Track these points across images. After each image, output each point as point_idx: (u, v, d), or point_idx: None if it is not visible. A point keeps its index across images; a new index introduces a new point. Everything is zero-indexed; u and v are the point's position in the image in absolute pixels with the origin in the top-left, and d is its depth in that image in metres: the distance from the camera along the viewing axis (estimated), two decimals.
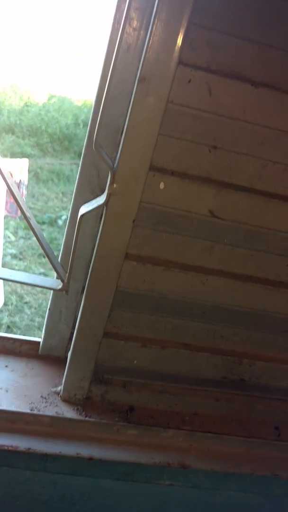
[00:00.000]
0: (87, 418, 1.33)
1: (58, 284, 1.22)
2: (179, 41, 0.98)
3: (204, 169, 1.14)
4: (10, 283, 4.66)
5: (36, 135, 7.95)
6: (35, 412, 1.29)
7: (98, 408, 1.38)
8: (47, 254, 1.15)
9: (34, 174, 7.14)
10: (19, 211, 6.12)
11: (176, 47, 0.98)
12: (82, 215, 1.13)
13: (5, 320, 4.30)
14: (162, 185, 1.13)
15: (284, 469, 1.40)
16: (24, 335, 1.70)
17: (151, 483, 1.34)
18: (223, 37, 1.01)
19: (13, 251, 5.31)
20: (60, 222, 6.12)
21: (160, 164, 1.11)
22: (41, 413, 1.29)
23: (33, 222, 1.13)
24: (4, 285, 4.32)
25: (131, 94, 1.05)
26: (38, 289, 4.74)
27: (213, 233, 1.22)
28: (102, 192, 1.16)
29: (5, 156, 6.97)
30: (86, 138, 1.17)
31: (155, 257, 1.23)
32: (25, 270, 5.00)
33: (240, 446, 1.41)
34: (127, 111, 1.06)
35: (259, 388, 1.45)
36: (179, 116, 1.06)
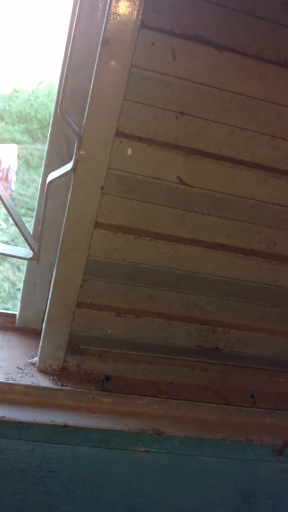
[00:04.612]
0: (62, 387, 1.34)
1: (29, 254, 1.23)
2: (141, 3, 0.98)
3: (172, 135, 1.14)
4: (3, 269, 4.66)
5: (25, 121, 7.88)
6: (10, 381, 1.31)
7: (74, 378, 1.40)
8: (16, 223, 1.16)
9: (25, 161, 7.08)
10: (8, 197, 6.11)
11: (138, 9, 0.98)
12: (50, 182, 1.13)
13: None
14: (129, 151, 1.13)
15: (258, 434, 1.42)
16: None
17: (127, 450, 1.37)
18: (187, 0, 1.01)
19: (5, 238, 5.29)
20: None
21: (127, 130, 1.11)
22: (16, 382, 1.30)
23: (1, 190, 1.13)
24: None
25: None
26: None
27: (183, 201, 1.22)
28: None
29: None
30: (53, 105, 1.17)
31: (126, 225, 1.23)
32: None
33: (215, 413, 1.43)
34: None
35: (234, 356, 1.47)
36: (144, 81, 1.06)
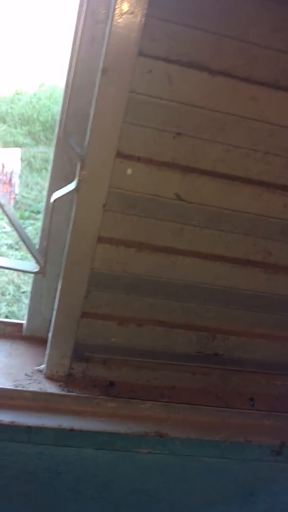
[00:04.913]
0: (68, 393, 1.41)
1: (35, 267, 1.29)
2: (138, 33, 1.04)
3: (169, 154, 1.20)
4: (8, 273, 4.73)
5: (28, 124, 7.95)
6: (19, 388, 1.37)
7: (80, 384, 1.46)
8: (22, 239, 1.22)
9: (28, 163, 7.16)
10: (12, 201, 6.15)
11: (135, 39, 1.04)
12: (55, 201, 1.20)
13: (3, 310, 4.37)
14: (129, 171, 1.19)
15: (256, 435, 1.49)
16: None
17: (130, 452, 1.43)
18: (181, 29, 1.07)
19: (9, 241, 5.36)
20: None
21: (126, 151, 1.17)
22: (24, 389, 1.37)
23: (7, 209, 1.20)
24: (1, 275, 4.39)
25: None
26: None
27: (181, 216, 1.28)
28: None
29: None
30: (56, 127, 1.23)
31: (127, 239, 1.30)
32: (21, 259, 5.07)
33: (215, 415, 1.49)
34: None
35: (233, 361, 1.54)
36: (142, 105, 1.12)
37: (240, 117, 1.17)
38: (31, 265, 1.30)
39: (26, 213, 5.94)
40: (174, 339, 1.47)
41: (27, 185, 6.70)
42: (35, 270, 1.28)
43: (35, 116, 7.96)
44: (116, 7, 1.01)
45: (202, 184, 1.24)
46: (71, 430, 1.36)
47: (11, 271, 4.75)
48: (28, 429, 1.34)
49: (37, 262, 1.28)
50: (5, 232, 5.52)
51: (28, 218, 5.89)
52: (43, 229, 1.35)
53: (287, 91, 1.16)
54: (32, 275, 1.40)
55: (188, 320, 1.45)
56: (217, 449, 1.47)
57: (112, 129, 1.12)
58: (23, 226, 5.66)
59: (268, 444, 1.50)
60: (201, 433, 1.45)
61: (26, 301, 4.53)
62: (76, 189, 1.18)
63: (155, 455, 1.45)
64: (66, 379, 1.46)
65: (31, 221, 5.80)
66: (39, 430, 1.35)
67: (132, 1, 1.01)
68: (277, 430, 1.52)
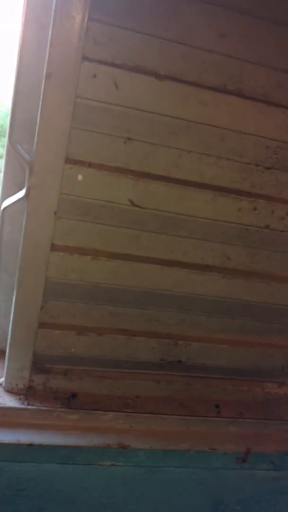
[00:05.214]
0: (28, 406, 1.37)
1: None
2: (81, 37, 1.03)
3: (121, 160, 1.19)
4: None
5: (6, 135, 7.89)
6: None
7: (40, 396, 1.43)
8: None
9: None
10: None
11: (78, 43, 1.03)
12: (5, 209, 1.17)
13: None
14: (80, 177, 1.18)
15: (221, 443, 1.47)
16: None
17: (93, 465, 1.40)
18: (125, 33, 1.06)
19: None
20: None
21: (76, 157, 1.16)
22: None
23: None
24: None
25: None
26: None
27: (137, 222, 1.27)
28: None
29: None
30: (6, 134, 1.21)
31: (82, 247, 1.28)
32: None
33: (179, 424, 1.47)
34: None
35: (197, 368, 1.52)
36: (89, 110, 1.11)
37: (190, 121, 1.17)
38: None
39: None
40: (136, 347, 1.44)
41: None
42: None
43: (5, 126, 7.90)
44: (57, 10, 1.00)
45: (156, 190, 1.23)
46: (30, 445, 1.32)
47: None
48: None
49: None
50: None
51: None
52: None
53: (235, 95, 1.16)
54: None
55: (150, 328, 1.43)
56: (182, 458, 1.44)
57: (60, 134, 1.10)
58: None
59: (233, 451, 1.48)
60: (165, 443, 1.43)
61: None
62: (26, 196, 1.16)
63: (119, 468, 1.42)
64: (26, 392, 1.42)
65: None
66: None
67: (73, 5, 1.00)
68: (242, 437, 1.50)
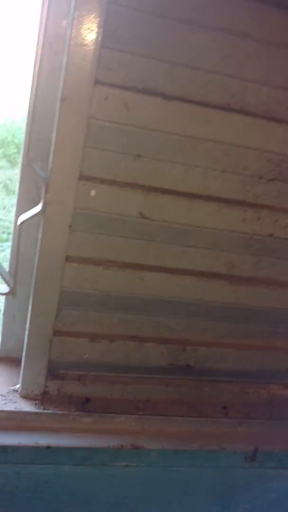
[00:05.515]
0: (44, 411, 1.43)
1: (5, 289, 1.32)
2: (94, 63, 1.10)
3: (131, 175, 1.26)
4: None
5: (2, 146, 7.96)
6: None
7: (55, 401, 1.49)
8: None
9: (4, 186, 7.15)
10: None
11: (91, 69, 1.10)
12: (21, 223, 1.24)
13: None
14: (93, 192, 1.24)
15: (230, 442, 1.53)
16: None
17: (108, 466, 1.46)
18: (135, 58, 1.13)
19: None
20: None
21: (89, 174, 1.22)
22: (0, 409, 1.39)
23: None
24: None
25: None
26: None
27: (146, 233, 1.34)
28: None
29: None
30: (21, 153, 1.28)
31: (95, 258, 1.34)
32: None
33: (189, 425, 1.53)
34: None
35: (204, 372, 1.58)
36: (102, 130, 1.18)
37: (197, 138, 1.24)
38: (1, 287, 1.33)
39: (4, 236, 5.93)
40: (146, 353, 1.51)
41: (4, 207, 6.69)
42: (5, 292, 1.32)
43: (9, 138, 7.98)
44: (71, 39, 1.07)
45: (164, 203, 1.30)
46: (48, 447, 1.38)
47: None
48: (5, 448, 1.35)
49: (7, 283, 1.32)
50: None
51: (6, 240, 5.88)
52: (12, 252, 1.39)
53: (238, 112, 1.23)
54: (4, 296, 1.43)
55: (159, 334, 1.49)
56: (193, 458, 1.50)
57: (74, 153, 1.17)
58: (1, 248, 5.65)
59: (242, 451, 1.54)
60: (176, 444, 1.49)
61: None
62: (42, 211, 1.22)
63: (133, 468, 1.47)
64: (41, 398, 1.48)
65: (10, 243, 5.77)
66: (15, 449, 1.37)
67: (86, 33, 1.07)
68: (250, 436, 1.56)
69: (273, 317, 1.53)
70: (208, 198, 1.32)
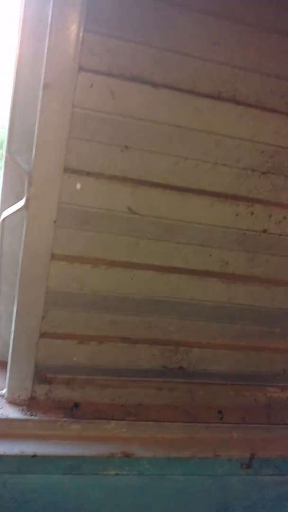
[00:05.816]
0: (31, 417, 1.36)
1: None
2: (77, 48, 1.04)
3: (119, 168, 1.20)
4: None
5: (0, 147, 7.92)
6: None
7: (43, 406, 1.42)
8: None
9: None
10: None
11: (75, 53, 1.04)
12: (4, 219, 1.18)
13: None
14: (78, 186, 1.19)
15: (225, 449, 1.46)
16: None
17: (97, 474, 1.39)
18: (121, 43, 1.08)
19: None
20: None
21: (74, 166, 1.17)
22: None
23: None
24: None
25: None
26: None
27: (136, 229, 1.28)
28: None
29: None
30: (5, 145, 1.22)
31: (82, 256, 1.28)
32: None
33: (182, 431, 1.46)
34: None
35: (198, 374, 1.52)
36: (86, 120, 1.12)
37: (186, 128, 1.19)
38: None
39: None
40: (137, 355, 1.45)
41: None
42: None
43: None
44: (53, 22, 1.01)
45: (154, 197, 1.25)
46: (34, 456, 1.31)
47: None
48: None
49: None
50: None
51: None
52: None
53: (230, 101, 1.18)
54: None
55: (150, 335, 1.43)
56: (186, 466, 1.44)
57: (58, 144, 1.11)
58: None
59: (238, 457, 1.47)
60: (168, 451, 1.42)
61: None
62: (25, 206, 1.16)
63: (123, 477, 1.41)
64: (28, 403, 1.41)
65: None
66: (0, 458, 1.30)
67: (68, 16, 1.01)
68: (246, 442, 1.49)
69: (269, 316, 1.47)
70: (200, 192, 1.26)
